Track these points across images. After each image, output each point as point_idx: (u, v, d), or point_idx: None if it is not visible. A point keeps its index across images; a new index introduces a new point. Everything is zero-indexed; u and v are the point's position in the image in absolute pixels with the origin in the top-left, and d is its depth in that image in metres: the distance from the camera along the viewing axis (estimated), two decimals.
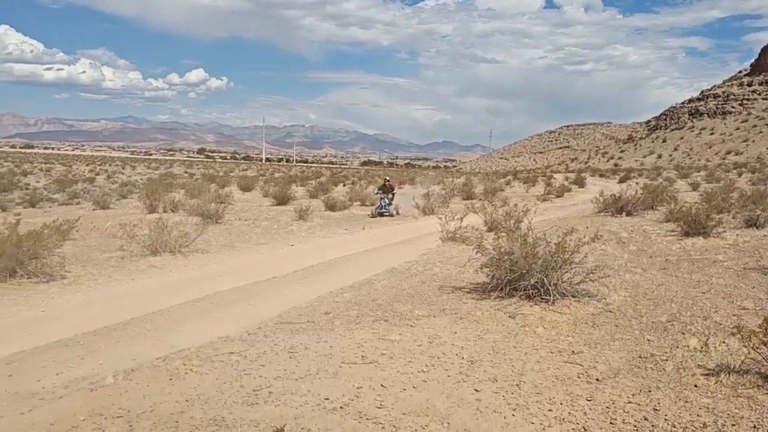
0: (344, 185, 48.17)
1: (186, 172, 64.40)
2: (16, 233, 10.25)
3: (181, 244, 13.42)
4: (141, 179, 44.26)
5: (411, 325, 7.93)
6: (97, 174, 52.85)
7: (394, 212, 24.18)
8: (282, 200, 28.03)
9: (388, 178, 26.80)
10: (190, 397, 5.50)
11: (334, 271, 12.33)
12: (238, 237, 16.98)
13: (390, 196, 24.67)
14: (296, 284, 10.94)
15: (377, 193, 25.63)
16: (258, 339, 7.36)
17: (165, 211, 21.65)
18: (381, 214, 23.66)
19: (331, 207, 25.44)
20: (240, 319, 8.36)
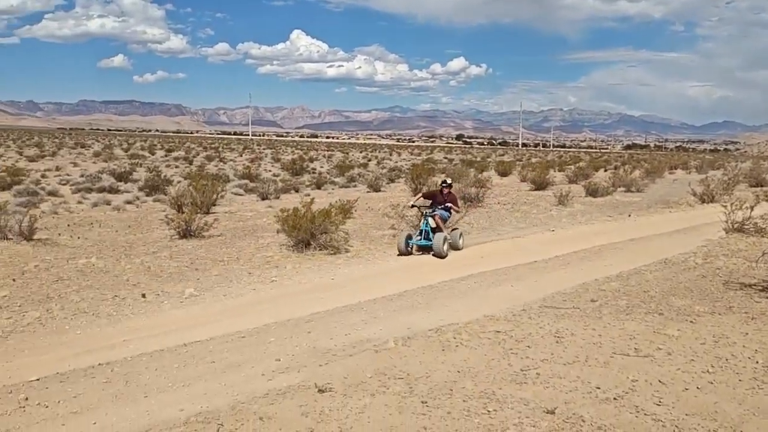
0: (605, 170, 45.50)
1: (445, 158, 67.05)
2: (310, 211, 11.78)
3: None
4: (406, 164, 47.34)
5: (691, 321, 7.23)
6: (369, 160, 57.97)
7: (445, 249, 11.89)
8: (540, 185, 27.57)
9: (448, 180, 13.35)
10: (461, 368, 5.77)
11: (598, 258, 11.78)
12: (497, 220, 17.19)
13: (445, 212, 12.82)
14: (559, 269, 10.71)
15: (415, 205, 13.35)
16: (523, 320, 7.40)
17: None
18: (419, 247, 12.35)
19: (592, 193, 24.26)
20: (504, 300, 8.49)
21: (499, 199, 22.75)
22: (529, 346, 6.42)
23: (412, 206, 13.29)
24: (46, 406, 5.04)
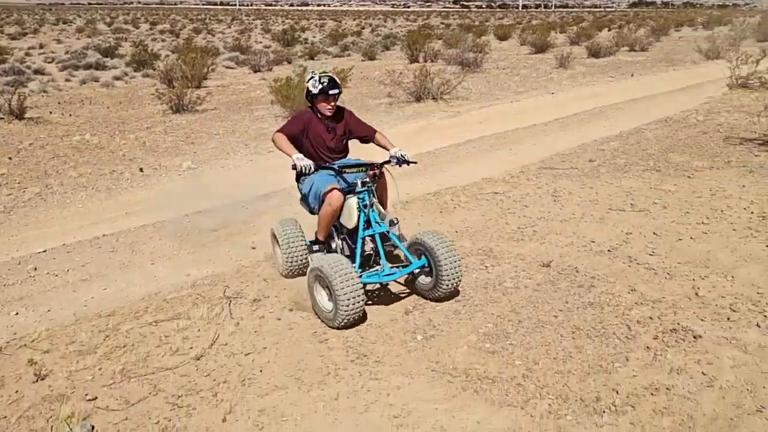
0: (609, 30, 43.74)
1: (442, 23, 64.20)
2: (303, 80, 11.45)
3: (443, 92, 13.74)
4: (401, 31, 45.41)
5: (689, 176, 7.24)
6: (363, 28, 55.55)
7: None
8: (540, 48, 26.61)
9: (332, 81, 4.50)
10: (459, 229, 5.87)
11: (598, 119, 11.61)
12: (496, 85, 16.78)
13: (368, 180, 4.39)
14: (558, 132, 10.59)
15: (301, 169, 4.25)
16: (521, 182, 7.43)
17: (425, 61, 22.16)
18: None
19: (594, 53, 23.50)
20: (502, 163, 8.47)
21: (498, 63, 22.07)
22: (526, 206, 6.48)
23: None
24: (56, 275, 5.18)
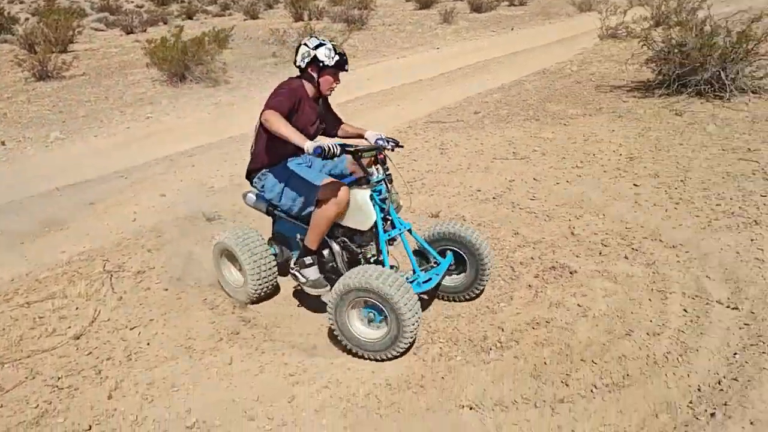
0: None
1: None
2: (180, 40, 10.84)
3: None
4: None
5: (564, 124, 7.61)
6: None
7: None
8: (425, 4, 26.75)
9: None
10: None
11: (481, 73, 11.91)
12: (382, 42, 16.74)
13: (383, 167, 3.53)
14: (444, 86, 10.76)
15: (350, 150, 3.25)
16: (409, 136, 7.51)
17: (310, 19, 21.67)
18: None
19: (476, 8, 23.95)
20: (390, 119, 8.51)
21: (383, 20, 21.97)
22: (415, 160, 6.57)
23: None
24: None
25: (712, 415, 2.62)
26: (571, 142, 6.82)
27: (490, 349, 3.23)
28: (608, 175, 5.73)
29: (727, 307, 3.41)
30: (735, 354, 3.00)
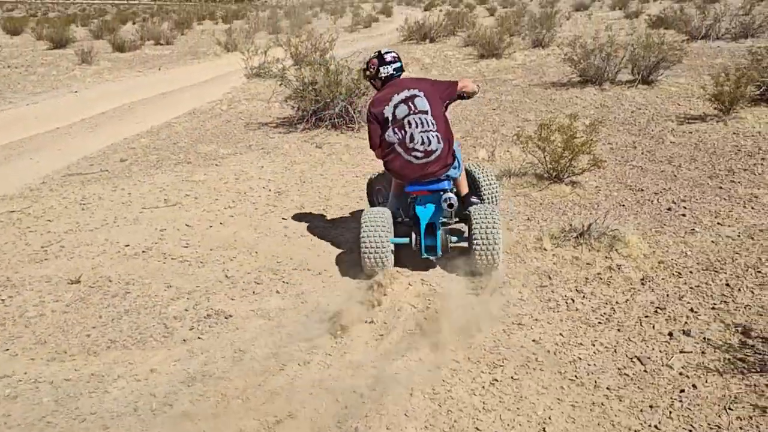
0: (134, 23, 43.04)
1: None
2: None
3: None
4: None
5: (216, 165, 7.66)
6: None
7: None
8: (60, 43, 24.37)
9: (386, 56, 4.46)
10: None
11: (128, 116, 11.29)
12: (8, 87, 14.67)
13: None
14: (85, 133, 9.89)
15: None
16: (43, 194, 6.67)
17: None
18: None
19: (119, 48, 22.74)
20: (20, 176, 7.45)
21: (9, 62, 19.35)
22: (50, 220, 5.84)
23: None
24: None
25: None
26: (223, 183, 6.87)
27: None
28: (259, 211, 5.93)
29: (365, 322, 3.78)
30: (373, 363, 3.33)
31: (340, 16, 46.57)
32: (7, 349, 3.66)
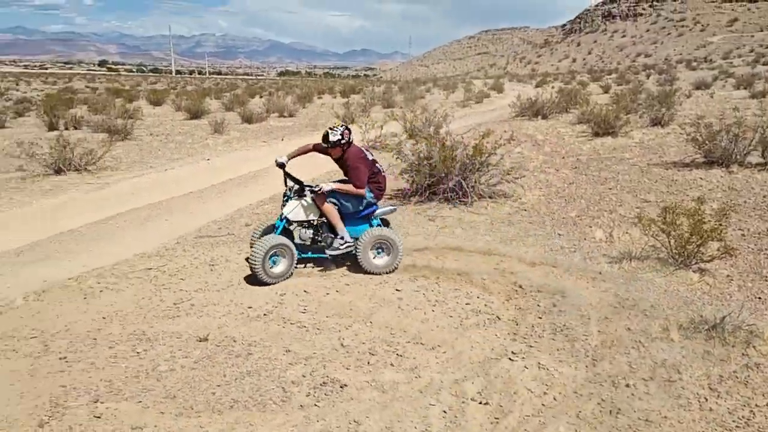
0: (261, 97, 46.52)
1: (88, 87, 60.02)
2: None
3: (87, 162, 12.69)
4: (38, 95, 40.95)
5: None
6: None
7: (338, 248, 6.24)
8: (196, 114, 26.77)
9: (337, 130, 6.58)
10: (107, 314, 5.36)
11: (253, 183, 12.08)
12: (150, 153, 16.22)
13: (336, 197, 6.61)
14: (214, 198, 10.66)
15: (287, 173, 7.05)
16: (177, 254, 7.20)
17: (67, 128, 20.28)
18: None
19: (247, 119, 24.59)
20: (157, 235, 8.12)
21: (151, 130, 21.44)
22: (182, 279, 6.29)
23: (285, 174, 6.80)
24: None
25: None
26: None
27: None
28: (374, 281, 6.05)
29: (479, 403, 3.71)
30: None
31: (452, 91, 47.84)
32: (140, 401, 3.92)
